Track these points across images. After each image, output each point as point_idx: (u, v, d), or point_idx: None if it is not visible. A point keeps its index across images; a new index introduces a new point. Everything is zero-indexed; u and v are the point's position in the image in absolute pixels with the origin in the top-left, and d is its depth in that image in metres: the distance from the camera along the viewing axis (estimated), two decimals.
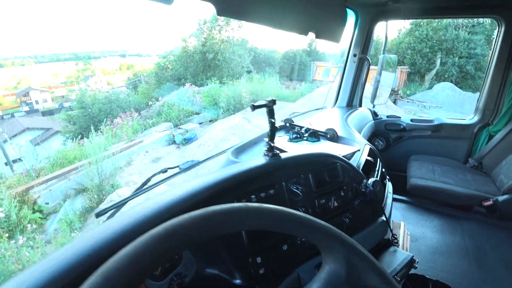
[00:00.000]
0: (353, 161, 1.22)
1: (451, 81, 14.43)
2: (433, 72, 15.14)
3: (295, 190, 0.90)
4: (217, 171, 0.88)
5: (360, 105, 2.60)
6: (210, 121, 8.28)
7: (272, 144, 0.91)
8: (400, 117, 2.62)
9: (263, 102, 0.85)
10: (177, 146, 6.72)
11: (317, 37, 1.77)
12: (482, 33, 14.40)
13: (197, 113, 8.69)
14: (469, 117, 2.49)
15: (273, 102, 0.85)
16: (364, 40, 2.35)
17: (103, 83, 25.22)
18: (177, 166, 1.31)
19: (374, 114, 2.57)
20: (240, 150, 1.36)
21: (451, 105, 12.64)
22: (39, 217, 4.24)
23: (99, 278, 0.32)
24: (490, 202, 1.88)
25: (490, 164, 2.23)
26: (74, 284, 0.52)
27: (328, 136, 1.48)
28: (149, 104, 9.47)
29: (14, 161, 8.95)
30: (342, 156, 1.15)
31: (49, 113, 22.12)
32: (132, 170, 5.55)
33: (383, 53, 2.45)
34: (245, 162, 0.93)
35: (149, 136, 6.82)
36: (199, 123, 8.09)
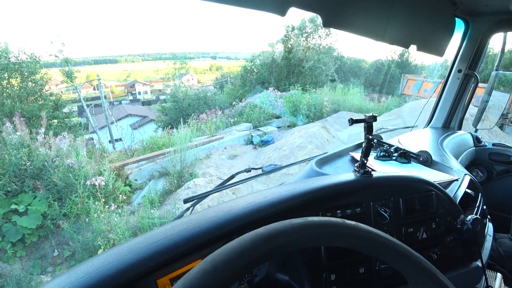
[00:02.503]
0: (450, 192, 1.06)
1: None
2: None
3: (383, 212, 0.85)
4: (304, 181, 0.88)
5: (460, 128, 2.24)
6: (288, 126, 8.32)
7: (365, 161, 0.86)
8: (511, 147, 2.18)
9: (362, 117, 0.82)
10: (254, 146, 6.92)
11: (418, 49, 1.57)
12: None
13: (277, 117, 8.83)
14: None
15: (374, 118, 0.82)
16: (474, 54, 2.01)
17: (194, 81, 27.82)
18: (261, 168, 1.35)
19: (477, 140, 2.19)
20: (324, 161, 1.32)
21: None
22: (128, 190, 4.84)
23: (208, 266, 0.34)
24: None
25: None
26: (176, 260, 0.57)
27: (421, 159, 1.32)
28: (233, 104, 9.97)
29: (116, 140, 10.60)
30: (438, 183, 1.01)
31: (147, 103, 25.25)
32: (210, 163, 5.92)
33: (496, 69, 2.07)
34: (333, 175, 0.90)
35: (229, 134, 7.18)
36: (278, 127, 8.20)
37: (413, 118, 2.29)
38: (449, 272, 0.93)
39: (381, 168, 1.21)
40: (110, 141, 10.94)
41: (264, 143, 6.86)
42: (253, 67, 14.79)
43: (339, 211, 0.80)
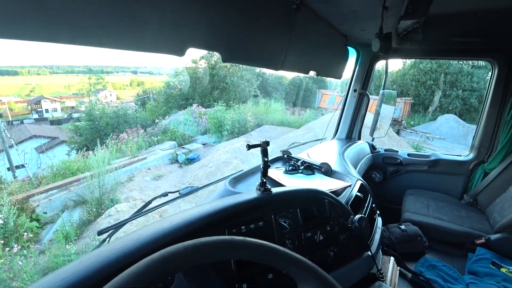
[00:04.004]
0: (343, 196, 1.27)
1: (455, 113, 14.58)
2: (435, 105, 15.34)
3: (283, 223, 0.95)
4: (212, 202, 0.94)
5: (359, 138, 2.67)
6: (214, 142, 8.38)
7: (264, 180, 0.97)
8: (397, 151, 2.68)
9: (258, 142, 0.93)
10: (179, 165, 6.78)
11: (318, 74, 1.88)
12: (485, 67, 14.66)
13: (202, 134, 8.81)
14: (465, 154, 2.54)
15: (267, 143, 0.94)
16: (365, 76, 2.46)
17: (113, 97, 25.85)
18: (177, 191, 1.37)
19: (372, 147, 2.63)
20: (237, 180, 1.42)
21: (455, 137, 12.68)
22: (35, 226, 4.27)
23: None
24: (482, 240, 1.89)
25: (484, 202, 2.25)
26: None
27: (323, 170, 1.54)
28: (156, 121, 9.62)
29: (17, 167, 9.04)
30: (333, 190, 1.20)
31: (57, 122, 22.46)
32: (133, 186, 5.60)
33: (383, 89, 2.54)
34: (238, 195, 0.99)
35: (153, 154, 6.90)
36: (203, 144, 8.19)
37: (328, 129, 2.63)
38: (346, 264, 1.09)
39: (289, 181, 1.38)
40: (8, 169, 9.36)
41: (190, 161, 6.79)
42: (176, 83, 14.54)
43: (243, 227, 0.87)
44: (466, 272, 1.79)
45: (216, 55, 14.79)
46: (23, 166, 9.23)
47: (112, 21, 0.71)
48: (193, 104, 10.07)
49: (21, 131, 16.04)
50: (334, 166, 1.57)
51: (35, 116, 25.88)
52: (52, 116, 26.15)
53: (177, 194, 1.37)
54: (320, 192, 1.10)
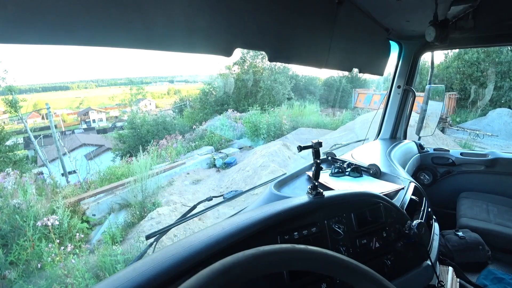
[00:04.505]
0: (397, 200, 1.18)
1: (509, 107, 13.22)
2: (486, 99, 14.01)
3: (337, 229, 0.90)
4: (262, 207, 0.92)
5: (405, 137, 2.49)
6: (250, 146, 8.43)
7: (316, 183, 0.93)
8: (448, 150, 2.46)
9: (310, 144, 0.90)
10: (217, 169, 6.89)
11: (360, 71, 1.79)
12: None
13: (238, 138, 8.90)
14: None
15: (319, 144, 0.89)
16: (409, 71, 2.30)
17: (152, 106, 27.16)
18: (222, 195, 1.37)
19: (420, 147, 2.44)
20: (282, 183, 1.38)
21: (509, 133, 11.54)
22: (86, 227, 4.54)
23: None
24: None
25: None
26: None
27: (371, 172, 1.45)
28: (193, 127, 9.90)
29: (70, 173, 9.87)
30: (386, 194, 1.12)
31: (103, 131, 24.06)
32: (173, 190, 5.78)
33: (429, 83, 2.36)
34: (289, 199, 0.95)
35: (191, 158, 7.09)
36: (239, 148, 8.26)
37: (366, 130, 2.50)
38: (404, 274, 1.00)
39: (336, 184, 1.32)
40: (62, 174, 10.17)
41: (227, 165, 6.87)
42: (211, 89, 14.90)
43: (296, 233, 0.83)
44: None
45: (248, 61, 15.00)
46: (74, 172, 10.03)
47: (163, 24, 0.72)
48: (228, 110, 10.21)
49: (72, 140, 17.42)
50: (382, 168, 1.47)
51: (84, 126, 27.96)
52: (98, 125, 28.07)
53: (221, 199, 1.37)
54: (375, 195, 1.03)
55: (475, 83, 14.40)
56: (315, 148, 0.89)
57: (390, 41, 2.05)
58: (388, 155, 1.88)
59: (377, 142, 2.36)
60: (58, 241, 3.58)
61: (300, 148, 0.91)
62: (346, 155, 1.80)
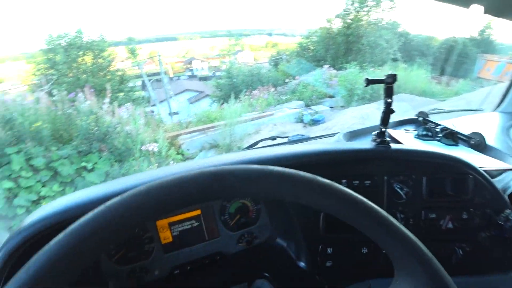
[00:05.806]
0: (499, 181, 0.87)
1: None
2: None
3: (399, 190, 0.72)
4: (315, 144, 0.82)
5: None
6: (342, 106, 7.93)
7: (383, 129, 0.74)
8: None
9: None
10: (303, 125, 6.76)
11: (486, 12, 1.19)
12: None
13: (331, 97, 8.46)
14: None
15: (393, 77, 0.69)
16: None
17: (249, 57, 27.84)
18: (286, 137, 1.31)
19: None
20: (353, 135, 1.20)
21: None
22: (180, 159, 5.11)
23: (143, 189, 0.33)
24: None
25: None
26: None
27: (472, 142, 1.10)
28: (286, 81, 9.80)
29: (174, 113, 11.33)
30: (485, 170, 0.83)
31: (204, 79, 26.16)
32: (258, 138, 5.97)
33: None
34: (347, 143, 0.85)
35: (280, 111, 7.11)
36: (331, 107, 7.86)
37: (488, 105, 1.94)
38: (479, 274, 0.79)
39: (418, 147, 1.06)
40: (169, 114, 11.71)
41: (315, 122, 6.66)
42: (309, 44, 14.22)
43: (344, 181, 0.72)
44: None
45: (353, 13, 13.55)
46: (177, 113, 11.43)
47: None
48: (324, 66, 9.65)
49: (178, 85, 19.53)
50: (491, 142, 1.11)
51: (188, 73, 30.77)
52: (201, 74, 30.47)
53: (285, 140, 1.30)
54: (465, 163, 0.76)
55: None
56: (388, 82, 0.69)
57: None
58: (507, 130, 1.41)
59: (495, 114, 1.76)
60: (156, 164, 4.15)
61: (368, 81, 0.72)
62: (445, 122, 1.43)
